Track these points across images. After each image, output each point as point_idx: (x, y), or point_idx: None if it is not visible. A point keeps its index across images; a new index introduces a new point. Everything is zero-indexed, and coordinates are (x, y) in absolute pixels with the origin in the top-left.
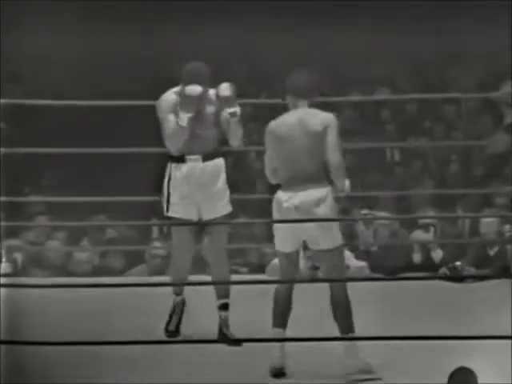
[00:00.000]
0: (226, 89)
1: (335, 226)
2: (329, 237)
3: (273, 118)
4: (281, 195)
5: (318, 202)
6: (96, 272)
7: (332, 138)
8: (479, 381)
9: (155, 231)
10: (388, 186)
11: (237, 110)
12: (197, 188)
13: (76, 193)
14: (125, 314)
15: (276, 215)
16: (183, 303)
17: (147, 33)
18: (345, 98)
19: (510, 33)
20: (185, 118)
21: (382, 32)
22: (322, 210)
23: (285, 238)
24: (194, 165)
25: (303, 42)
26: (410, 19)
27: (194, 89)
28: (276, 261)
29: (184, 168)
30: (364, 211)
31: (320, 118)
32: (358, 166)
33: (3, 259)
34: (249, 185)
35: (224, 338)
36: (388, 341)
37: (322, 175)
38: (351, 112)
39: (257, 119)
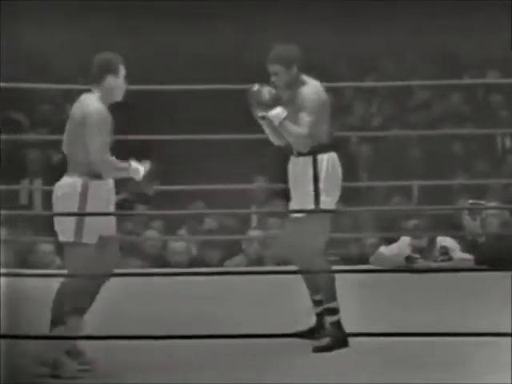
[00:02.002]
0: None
1: (70, 219)
2: (61, 229)
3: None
4: None
5: (62, 192)
6: (192, 263)
7: (89, 136)
8: None
9: (254, 220)
10: (499, 175)
11: (272, 114)
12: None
13: (174, 181)
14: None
15: None
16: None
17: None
18: (455, 82)
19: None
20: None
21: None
22: (58, 200)
23: None
24: (291, 160)
25: (413, 25)
26: None
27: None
28: (381, 249)
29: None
30: (471, 201)
31: (81, 108)
32: (466, 153)
33: None
34: (350, 172)
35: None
36: None
37: (75, 167)
38: (461, 96)
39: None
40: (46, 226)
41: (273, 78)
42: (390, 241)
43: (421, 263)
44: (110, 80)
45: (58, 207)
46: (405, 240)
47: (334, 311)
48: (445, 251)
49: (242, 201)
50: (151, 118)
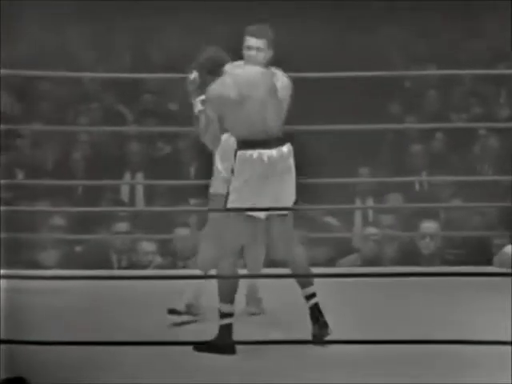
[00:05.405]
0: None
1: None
2: None
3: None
4: None
5: None
6: None
7: None
8: None
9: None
10: None
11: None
12: None
13: None
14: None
15: None
16: None
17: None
18: None
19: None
20: None
21: None
22: None
23: None
24: None
25: None
26: None
27: None
28: (506, 249)
29: None
30: None
31: None
32: None
33: None
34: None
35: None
36: None
37: None
38: None
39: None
40: (148, 224)
41: None
42: None
43: None
44: None
45: None
46: None
47: (227, 315)
48: None
49: (346, 194)
50: None
